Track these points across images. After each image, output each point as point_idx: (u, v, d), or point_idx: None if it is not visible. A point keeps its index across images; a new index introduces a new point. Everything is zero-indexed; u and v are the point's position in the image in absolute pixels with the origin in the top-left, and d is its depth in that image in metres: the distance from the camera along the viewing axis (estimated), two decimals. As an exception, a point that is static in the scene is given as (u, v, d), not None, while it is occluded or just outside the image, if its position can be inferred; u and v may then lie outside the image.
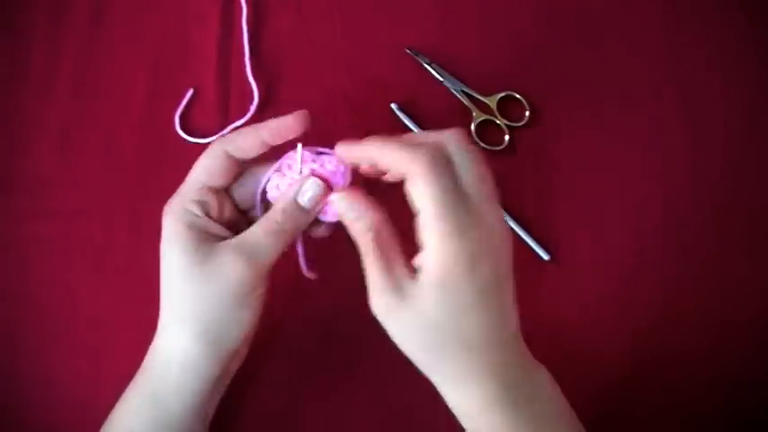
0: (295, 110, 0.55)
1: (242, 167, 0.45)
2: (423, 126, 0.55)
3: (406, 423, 0.51)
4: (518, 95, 0.55)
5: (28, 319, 0.52)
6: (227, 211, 0.44)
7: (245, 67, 0.56)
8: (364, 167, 0.42)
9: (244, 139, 0.43)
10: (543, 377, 0.41)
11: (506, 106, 0.56)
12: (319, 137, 0.44)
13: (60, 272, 0.53)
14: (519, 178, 0.54)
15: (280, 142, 0.43)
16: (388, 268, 0.39)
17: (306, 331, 0.52)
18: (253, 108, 0.55)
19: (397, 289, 0.38)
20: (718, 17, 0.58)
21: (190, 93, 0.56)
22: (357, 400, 0.51)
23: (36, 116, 0.56)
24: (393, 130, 0.55)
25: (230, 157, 0.43)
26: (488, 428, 0.39)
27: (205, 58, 0.57)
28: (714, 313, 0.52)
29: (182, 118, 0.56)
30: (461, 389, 0.39)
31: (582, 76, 0.57)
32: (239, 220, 0.45)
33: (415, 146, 0.38)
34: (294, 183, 0.43)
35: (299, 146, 0.44)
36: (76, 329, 0.52)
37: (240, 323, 0.43)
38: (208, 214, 0.43)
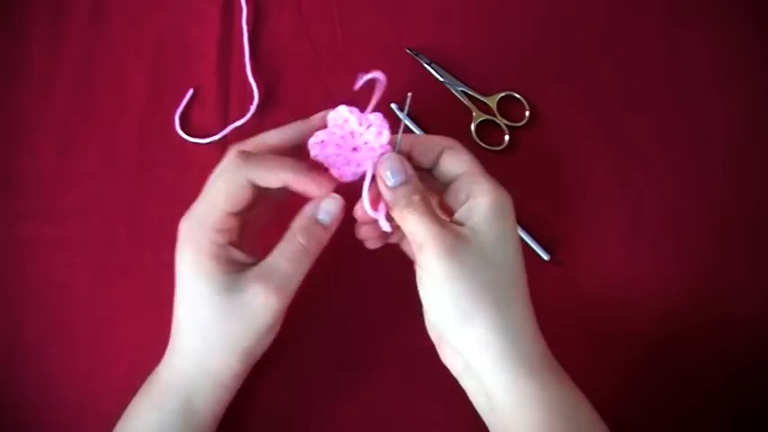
0: (295, 110, 0.56)
1: (261, 190, 0.43)
2: (423, 126, 0.55)
3: (406, 423, 0.51)
4: (518, 95, 0.55)
5: (28, 319, 0.52)
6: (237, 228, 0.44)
7: (245, 67, 0.56)
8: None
9: (268, 173, 0.41)
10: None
11: (506, 106, 0.56)
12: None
13: (60, 272, 0.53)
14: (519, 178, 0.54)
15: (299, 191, 0.43)
16: (440, 219, 0.41)
17: (309, 330, 0.52)
18: (253, 108, 0.55)
19: (455, 233, 0.40)
20: (718, 17, 0.58)
21: (190, 93, 0.56)
22: (357, 400, 0.51)
23: (35, 116, 0.56)
24: (393, 130, 0.55)
25: (253, 185, 0.42)
26: (533, 389, 0.40)
27: (205, 58, 0.57)
28: (714, 313, 0.52)
29: (182, 118, 0.56)
30: (510, 338, 0.40)
31: (582, 76, 0.57)
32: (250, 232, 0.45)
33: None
34: (312, 201, 0.43)
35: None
36: (76, 329, 0.52)
37: (267, 344, 0.45)
38: (230, 242, 0.43)
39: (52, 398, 0.51)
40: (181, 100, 0.56)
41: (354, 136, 0.43)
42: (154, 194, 0.54)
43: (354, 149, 0.43)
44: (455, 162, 0.43)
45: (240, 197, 0.42)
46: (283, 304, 0.42)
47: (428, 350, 0.51)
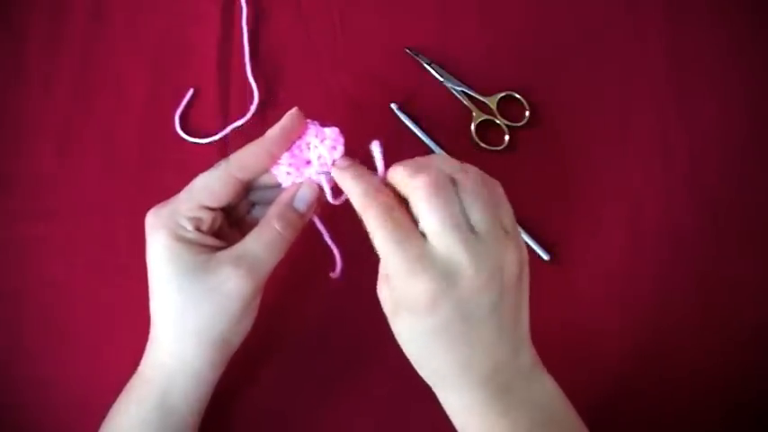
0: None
1: (245, 187, 0.44)
2: (423, 126, 0.55)
3: (403, 423, 0.51)
4: (518, 95, 0.55)
5: (27, 319, 0.52)
6: (218, 223, 0.44)
7: (245, 67, 0.56)
8: None
9: (251, 157, 0.43)
10: (540, 384, 0.40)
11: (506, 106, 0.56)
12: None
13: (60, 272, 0.53)
14: (519, 178, 0.54)
15: (287, 149, 0.44)
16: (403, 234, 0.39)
17: (304, 333, 0.52)
18: (253, 108, 0.55)
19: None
20: (717, 19, 0.58)
21: (190, 93, 0.56)
22: (354, 402, 0.51)
23: (35, 116, 0.56)
24: (393, 130, 0.55)
25: (237, 181, 0.43)
26: (496, 415, 0.39)
27: (205, 58, 0.57)
28: (714, 312, 0.52)
29: (182, 118, 0.56)
30: (450, 391, 0.40)
31: (582, 76, 0.57)
32: (228, 229, 0.45)
33: (417, 172, 0.38)
34: (288, 188, 0.44)
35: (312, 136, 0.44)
36: (75, 329, 0.52)
37: (242, 331, 0.44)
38: (198, 229, 0.42)
39: (50, 398, 0.51)
40: (181, 100, 0.56)
41: (310, 147, 0.44)
42: (154, 194, 0.54)
43: (307, 162, 0.44)
44: (396, 183, 0.40)
45: (220, 191, 0.42)
46: (255, 289, 0.42)
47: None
